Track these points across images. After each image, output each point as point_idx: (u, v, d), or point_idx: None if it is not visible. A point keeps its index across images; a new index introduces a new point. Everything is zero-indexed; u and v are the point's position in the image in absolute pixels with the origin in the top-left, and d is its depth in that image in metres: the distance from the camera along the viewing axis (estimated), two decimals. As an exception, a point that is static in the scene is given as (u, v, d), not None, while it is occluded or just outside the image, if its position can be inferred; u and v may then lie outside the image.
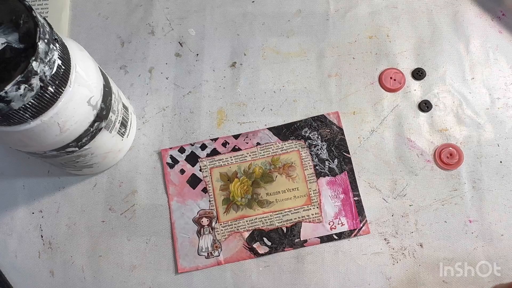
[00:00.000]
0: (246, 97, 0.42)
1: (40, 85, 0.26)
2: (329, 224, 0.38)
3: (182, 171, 0.40)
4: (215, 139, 0.41)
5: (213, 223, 0.38)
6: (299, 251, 0.38)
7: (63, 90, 0.28)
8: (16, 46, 0.25)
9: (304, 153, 0.40)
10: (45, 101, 0.27)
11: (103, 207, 0.40)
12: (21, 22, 0.25)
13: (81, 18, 0.45)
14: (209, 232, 0.38)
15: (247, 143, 0.40)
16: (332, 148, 0.40)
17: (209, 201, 0.39)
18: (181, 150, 0.40)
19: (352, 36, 0.44)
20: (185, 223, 0.39)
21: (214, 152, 0.40)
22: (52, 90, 0.27)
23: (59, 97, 0.28)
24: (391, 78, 0.42)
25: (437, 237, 0.38)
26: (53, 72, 0.26)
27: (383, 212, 0.39)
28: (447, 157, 0.39)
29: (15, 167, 0.41)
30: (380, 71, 0.42)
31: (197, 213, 0.39)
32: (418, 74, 0.42)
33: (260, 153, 0.40)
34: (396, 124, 0.41)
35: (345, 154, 0.40)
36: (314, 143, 0.40)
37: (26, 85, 0.25)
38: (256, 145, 0.40)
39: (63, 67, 0.27)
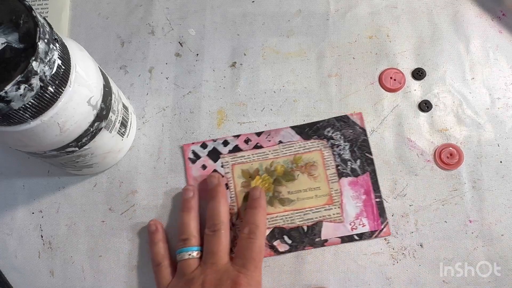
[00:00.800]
0: (246, 97, 0.42)
1: (40, 85, 0.26)
2: (350, 225, 0.38)
3: (204, 167, 0.40)
4: (237, 136, 0.40)
5: (234, 219, 0.38)
6: (299, 250, 0.38)
7: (63, 90, 0.28)
8: (16, 46, 0.25)
9: (326, 152, 0.40)
10: (45, 101, 0.27)
11: (103, 207, 0.40)
12: (21, 22, 0.25)
13: (81, 18, 0.45)
14: (230, 228, 0.37)
15: (269, 141, 0.40)
16: (355, 149, 0.40)
17: (230, 197, 0.39)
18: (203, 145, 0.40)
19: (352, 36, 0.44)
20: None
21: (236, 149, 0.40)
22: (52, 90, 0.27)
23: (59, 97, 0.28)
24: (391, 78, 0.42)
25: (437, 237, 0.38)
26: (53, 72, 0.26)
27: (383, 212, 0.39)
28: (447, 157, 0.39)
29: (15, 167, 0.41)
30: (380, 71, 0.42)
31: None
32: (418, 74, 0.42)
33: (282, 151, 0.40)
34: (396, 124, 0.41)
35: (368, 155, 0.39)
36: (336, 143, 0.40)
37: (26, 85, 0.25)
38: (278, 143, 0.40)
39: (63, 67, 0.27)
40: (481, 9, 0.44)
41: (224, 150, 0.40)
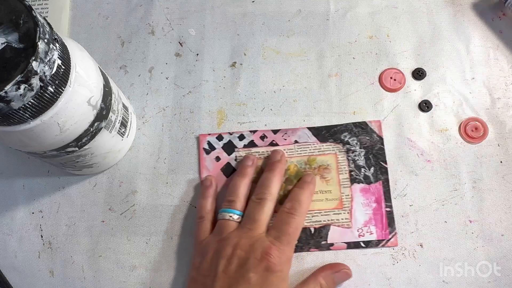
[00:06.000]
0: (246, 97, 0.42)
1: (40, 85, 0.26)
2: (358, 231, 0.38)
3: (218, 159, 0.40)
4: (254, 131, 0.41)
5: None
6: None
7: (63, 90, 0.28)
8: (16, 46, 0.25)
9: (341, 157, 0.39)
10: (45, 101, 0.27)
11: (103, 207, 0.40)
12: (21, 22, 0.25)
13: (81, 18, 0.45)
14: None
15: (285, 139, 0.40)
16: (370, 156, 0.39)
17: None
18: (219, 137, 0.40)
19: (352, 36, 0.44)
20: None
21: (252, 144, 0.40)
22: (52, 90, 0.27)
23: (59, 97, 0.28)
24: (391, 78, 0.42)
25: (437, 237, 0.38)
26: (53, 72, 0.26)
27: (383, 212, 0.39)
28: (471, 131, 0.39)
29: (15, 167, 0.41)
30: (380, 71, 0.42)
31: None
32: (418, 74, 0.42)
33: (296, 151, 0.40)
34: (396, 124, 0.41)
35: (382, 163, 0.39)
36: (352, 148, 0.40)
37: (26, 85, 0.25)
38: (294, 143, 0.40)
39: (63, 67, 0.27)
40: (481, 9, 0.44)
41: (239, 144, 0.40)
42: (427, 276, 0.37)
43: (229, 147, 0.40)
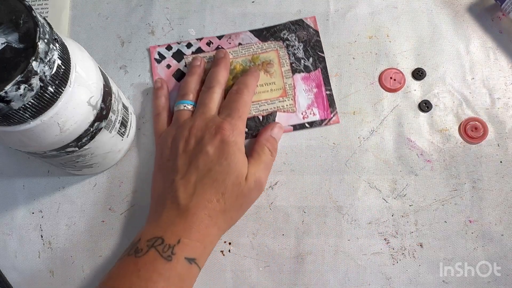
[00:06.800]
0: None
1: (40, 85, 0.26)
2: (302, 114, 0.41)
3: (169, 66, 0.43)
4: (200, 39, 0.43)
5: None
6: (299, 250, 0.38)
7: (63, 90, 0.28)
8: (16, 46, 0.25)
9: (282, 52, 0.43)
10: (45, 101, 0.27)
11: (103, 207, 0.40)
12: (21, 22, 0.25)
13: (81, 18, 0.45)
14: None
15: (230, 43, 0.43)
16: (308, 48, 0.43)
17: None
18: (168, 47, 0.43)
19: (352, 36, 0.44)
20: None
21: (199, 51, 0.43)
22: (52, 90, 0.27)
23: (59, 97, 0.28)
24: (391, 78, 0.42)
25: (437, 237, 0.38)
26: (53, 72, 0.26)
27: (383, 212, 0.39)
28: (471, 131, 0.39)
29: (15, 167, 0.41)
30: (380, 71, 0.42)
31: None
32: (418, 74, 0.42)
33: (241, 52, 0.43)
34: (396, 124, 0.41)
35: (320, 53, 0.43)
36: (291, 44, 0.43)
37: (26, 85, 0.25)
38: (238, 45, 0.43)
39: (63, 67, 0.27)
40: (481, 9, 0.44)
41: (187, 51, 0.43)
42: (427, 276, 0.37)
43: (178, 55, 0.43)
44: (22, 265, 0.38)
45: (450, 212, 0.38)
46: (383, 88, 0.42)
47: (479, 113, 0.41)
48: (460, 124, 0.40)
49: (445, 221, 0.38)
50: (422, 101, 0.41)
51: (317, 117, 0.41)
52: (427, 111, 0.41)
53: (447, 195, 0.39)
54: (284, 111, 0.41)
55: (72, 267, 0.38)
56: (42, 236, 0.39)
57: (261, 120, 0.41)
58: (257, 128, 0.41)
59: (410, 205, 0.39)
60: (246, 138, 0.39)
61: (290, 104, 0.41)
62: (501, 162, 0.40)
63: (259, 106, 0.41)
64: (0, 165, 0.41)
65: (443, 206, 0.39)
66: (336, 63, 0.43)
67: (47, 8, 0.44)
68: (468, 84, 0.42)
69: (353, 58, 0.43)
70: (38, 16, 0.26)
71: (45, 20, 0.27)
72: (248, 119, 0.40)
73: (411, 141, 0.40)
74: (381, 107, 0.41)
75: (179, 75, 0.43)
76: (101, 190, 0.40)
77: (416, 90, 0.42)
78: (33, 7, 0.26)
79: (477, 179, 0.39)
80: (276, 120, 0.41)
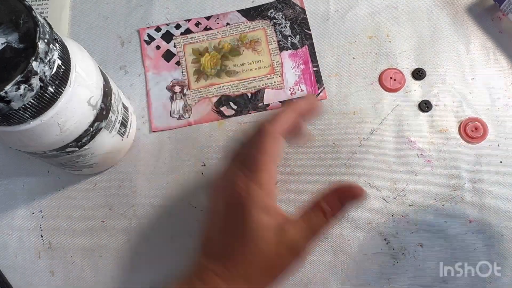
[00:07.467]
0: (246, 97, 0.42)
1: (40, 85, 0.26)
2: (290, 90, 0.42)
3: (158, 47, 0.44)
4: (189, 20, 0.44)
5: (185, 90, 0.42)
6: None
7: (63, 90, 0.28)
8: (16, 46, 0.25)
9: (269, 30, 0.44)
10: (45, 101, 0.27)
11: (103, 207, 0.40)
12: (21, 22, 0.25)
13: (81, 18, 0.45)
14: (181, 98, 0.42)
15: (218, 23, 0.44)
16: (295, 26, 0.44)
17: (182, 72, 0.43)
18: (157, 29, 0.44)
19: (352, 36, 0.44)
20: (159, 90, 0.42)
21: (188, 31, 0.44)
22: (52, 90, 0.27)
23: (59, 97, 0.28)
24: (391, 78, 0.42)
25: (437, 237, 0.38)
26: (53, 72, 0.26)
27: (383, 212, 0.39)
28: (471, 131, 0.39)
29: (15, 167, 0.41)
30: (380, 71, 0.42)
31: (170, 82, 0.42)
32: (418, 74, 0.42)
33: (229, 31, 0.44)
34: (396, 124, 0.41)
35: (306, 31, 0.43)
36: (278, 22, 0.44)
37: (26, 85, 0.25)
38: (226, 25, 0.44)
39: (63, 67, 0.27)
40: (481, 9, 0.44)
41: (176, 32, 0.44)
42: (427, 276, 0.37)
43: (167, 36, 0.44)
44: (22, 265, 0.38)
45: (450, 212, 0.38)
46: (383, 88, 0.42)
47: (479, 113, 0.41)
48: (460, 124, 0.40)
49: (445, 221, 0.38)
50: (422, 101, 0.41)
51: (304, 93, 0.42)
52: (427, 111, 0.41)
53: (447, 195, 0.39)
54: (272, 88, 0.42)
55: (72, 267, 0.38)
56: (42, 236, 0.39)
57: (250, 97, 0.42)
58: (246, 105, 0.41)
59: (410, 205, 0.39)
60: (235, 115, 0.41)
61: (278, 81, 0.42)
62: (501, 162, 0.40)
63: (248, 84, 0.42)
64: (0, 165, 0.41)
65: (443, 206, 0.39)
66: (336, 63, 0.43)
67: (47, 8, 0.44)
68: (468, 84, 0.42)
69: (353, 58, 0.43)
70: (38, 16, 0.26)
71: (45, 20, 0.27)
72: (237, 96, 0.42)
73: (411, 141, 0.40)
74: (381, 107, 0.41)
75: (169, 56, 0.43)
76: (101, 190, 0.40)
77: (416, 90, 0.42)
78: (33, 7, 0.26)
79: (477, 179, 0.39)
80: (265, 96, 0.42)
